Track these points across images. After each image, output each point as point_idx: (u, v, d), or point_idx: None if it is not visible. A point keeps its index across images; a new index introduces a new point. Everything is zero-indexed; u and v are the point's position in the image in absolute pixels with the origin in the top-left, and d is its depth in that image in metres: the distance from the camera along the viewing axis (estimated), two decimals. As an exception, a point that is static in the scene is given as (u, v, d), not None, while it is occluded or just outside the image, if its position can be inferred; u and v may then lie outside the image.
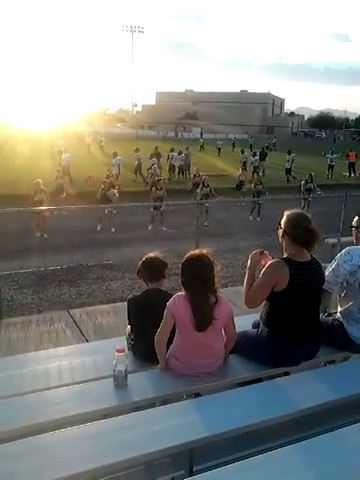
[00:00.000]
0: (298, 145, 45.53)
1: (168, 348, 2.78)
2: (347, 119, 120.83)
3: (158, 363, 2.80)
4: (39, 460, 1.94)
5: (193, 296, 2.64)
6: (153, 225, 12.10)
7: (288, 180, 22.47)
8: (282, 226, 2.87)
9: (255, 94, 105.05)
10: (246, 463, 1.92)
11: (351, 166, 26.16)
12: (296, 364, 2.90)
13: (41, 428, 2.21)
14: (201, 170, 18.83)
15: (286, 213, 2.91)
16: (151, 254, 3.22)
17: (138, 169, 20.17)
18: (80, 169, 18.88)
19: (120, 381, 2.56)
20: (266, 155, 25.34)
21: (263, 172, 24.15)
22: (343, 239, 5.92)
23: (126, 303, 3.20)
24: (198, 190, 13.62)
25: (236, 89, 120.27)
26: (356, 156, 26.50)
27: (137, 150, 20.80)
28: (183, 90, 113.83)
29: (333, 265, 3.02)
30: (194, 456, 2.19)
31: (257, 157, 23.24)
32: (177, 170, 22.47)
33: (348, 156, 26.56)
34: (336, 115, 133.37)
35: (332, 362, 3.30)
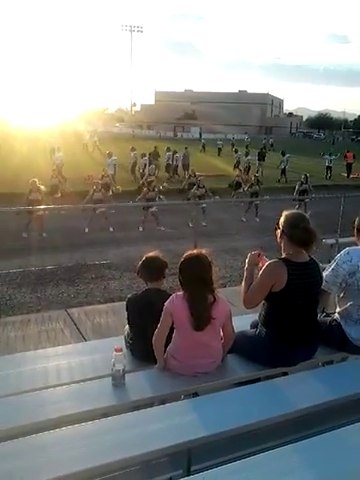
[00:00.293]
0: (297, 146, 45.57)
1: (166, 348, 2.79)
2: (346, 120, 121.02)
3: (156, 363, 2.81)
4: (37, 459, 1.94)
5: (191, 296, 2.64)
6: (144, 226, 12.01)
7: (279, 181, 22.47)
8: (280, 226, 2.88)
9: (254, 94, 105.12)
10: (244, 463, 1.92)
11: (349, 167, 26.22)
12: (294, 364, 2.91)
13: (39, 427, 2.21)
14: (201, 170, 18.84)
15: (284, 213, 2.92)
16: (151, 253, 3.22)
17: (134, 169, 20.15)
18: (76, 168, 18.83)
19: (118, 380, 2.56)
20: (265, 155, 25.36)
21: (262, 172, 24.23)
22: (341, 240, 5.93)
23: (125, 302, 3.20)
24: (192, 190, 13.61)
25: (235, 89, 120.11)
26: (354, 157, 26.55)
27: (133, 149, 20.78)
28: (182, 90, 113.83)
29: (332, 265, 3.02)
30: (192, 456, 2.19)
31: (249, 157, 23.27)
32: (172, 170, 22.43)
33: (346, 157, 26.60)
34: (335, 116, 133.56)
35: (330, 362, 3.30)
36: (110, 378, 2.58)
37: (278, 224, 2.91)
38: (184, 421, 2.23)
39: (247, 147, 33.65)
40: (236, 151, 25.62)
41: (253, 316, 3.15)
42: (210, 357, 2.76)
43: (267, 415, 2.33)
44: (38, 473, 1.86)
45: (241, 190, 16.55)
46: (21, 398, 2.52)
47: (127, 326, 3.25)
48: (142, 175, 18.71)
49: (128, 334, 3.18)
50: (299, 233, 2.76)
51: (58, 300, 6.97)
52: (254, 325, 3.08)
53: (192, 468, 2.18)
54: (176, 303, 2.67)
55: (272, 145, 38.19)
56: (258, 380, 2.86)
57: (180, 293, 2.70)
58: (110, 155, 18.08)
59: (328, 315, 3.33)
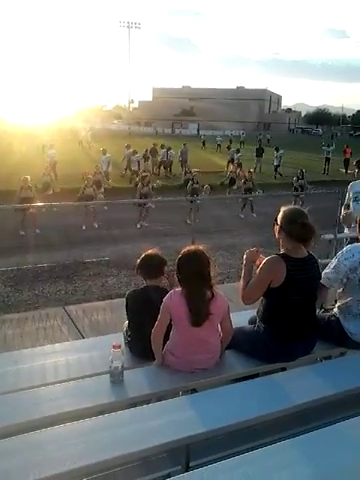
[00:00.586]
0: (295, 141, 45.57)
1: (165, 344, 2.78)
2: (344, 115, 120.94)
3: (154, 359, 2.80)
4: (35, 456, 1.94)
5: (189, 291, 2.64)
6: (141, 223, 12.06)
7: (275, 177, 22.45)
8: (278, 222, 2.87)
9: (252, 90, 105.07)
10: (243, 458, 1.92)
11: (346, 162, 26.28)
12: (292, 360, 2.90)
13: (37, 424, 2.20)
14: (199, 166, 18.84)
15: (282, 209, 2.91)
16: (150, 251, 3.21)
17: (129, 165, 20.09)
18: (72, 166, 18.77)
19: (116, 377, 2.56)
20: (263, 151, 25.37)
21: (260, 168, 24.21)
22: (340, 235, 5.91)
23: (125, 298, 3.20)
24: (188, 186, 13.61)
25: (233, 85, 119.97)
26: (351, 153, 26.58)
27: (128, 147, 20.74)
28: (180, 86, 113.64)
29: (334, 262, 3.01)
30: (190, 452, 2.19)
31: (240, 154, 23.34)
32: (166, 166, 22.38)
33: (345, 152, 26.63)
34: (333, 111, 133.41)
35: (328, 358, 3.30)
36: (108, 375, 2.58)
37: (276, 220, 2.90)
38: (183, 417, 2.23)
39: (242, 143, 33.67)
40: (229, 147, 25.66)
41: (251, 312, 3.15)
42: (208, 353, 2.76)
43: (266, 410, 2.33)
44: (36, 471, 1.85)
45: (235, 186, 16.56)
46: (19, 395, 2.51)
47: (126, 322, 3.24)
48: (134, 173, 18.75)
49: (127, 330, 3.18)
50: (297, 229, 2.75)
51: (56, 297, 6.97)
52: (252, 321, 3.08)
53: (191, 464, 2.18)
54: (174, 299, 2.66)
55: (269, 141, 38.18)
56: (256, 376, 2.86)
57: (178, 289, 2.70)
58: (104, 152, 18.04)
59: (327, 310, 3.34)
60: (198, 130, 62.26)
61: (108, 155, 17.92)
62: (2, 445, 2.01)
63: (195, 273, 2.65)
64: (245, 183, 14.85)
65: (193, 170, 16.08)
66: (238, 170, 19.28)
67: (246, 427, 2.29)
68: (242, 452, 2.01)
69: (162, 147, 22.79)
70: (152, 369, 2.78)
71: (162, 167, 22.44)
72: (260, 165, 24.52)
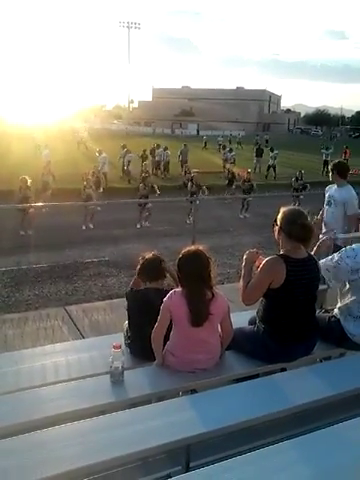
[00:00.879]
0: (294, 142, 45.55)
1: (165, 345, 2.79)
2: (343, 116, 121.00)
3: (155, 359, 2.80)
4: (35, 456, 1.94)
5: (189, 292, 2.64)
6: (141, 223, 12.08)
7: (266, 177, 22.46)
8: (278, 222, 2.88)
9: (251, 91, 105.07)
10: (243, 459, 1.92)
11: None
12: (292, 360, 2.91)
13: (37, 424, 2.20)
14: (200, 167, 18.84)
15: (282, 209, 2.91)
16: (148, 255, 3.20)
17: (122, 166, 20.08)
18: (68, 166, 18.71)
19: (116, 377, 2.56)
20: (263, 151, 25.39)
21: (259, 169, 24.23)
22: (341, 236, 5.92)
23: (125, 296, 3.20)
24: (188, 187, 13.62)
25: (233, 86, 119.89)
26: (350, 154, 26.61)
27: (124, 147, 20.73)
28: (180, 86, 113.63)
29: (336, 257, 3.00)
30: (191, 452, 2.20)
31: (233, 153, 23.41)
32: (163, 166, 22.35)
33: (345, 153, 26.65)
34: (332, 112, 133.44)
35: (328, 358, 3.31)
36: (108, 375, 2.58)
37: (276, 220, 2.90)
38: (183, 418, 2.23)
39: (239, 143, 33.56)
40: (224, 147, 25.73)
41: (251, 312, 3.15)
42: (208, 353, 2.76)
43: (266, 411, 2.33)
44: (35, 471, 1.86)
45: (233, 187, 16.57)
46: (19, 395, 2.51)
47: (126, 323, 3.25)
48: (126, 173, 18.76)
49: (127, 331, 3.18)
50: (297, 229, 2.76)
51: (56, 297, 6.97)
52: (252, 321, 3.08)
53: (191, 464, 2.19)
54: (174, 299, 2.66)
55: (267, 141, 38.20)
56: (256, 376, 2.86)
57: (179, 289, 2.70)
58: (100, 152, 18.01)
59: (327, 311, 3.34)
60: (197, 130, 62.29)
61: (104, 155, 17.90)
62: (2, 445, 2.01)
63: (195, 273, 2.65)
64: (244, 183, 14.87)
65: (193, 171, 16.09)
66: (234, 168, 19.28)
67: (246, 427, 2.30)
68: (242, 453, 2.01)
69: (158, 147, 22.80)
70: (152, 369, 2.78)
71: (158, 167, 22.40)
72: (259, 165, 24.53)
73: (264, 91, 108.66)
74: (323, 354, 3.22)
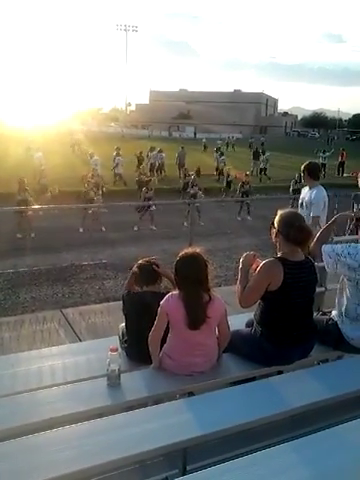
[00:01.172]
0: (291, 145, 45.65)
1: (162, 348, 2.78)
2: (340, 119, 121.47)
3: (151, 363, 2.80)
4: (32, 460, 1.93)
5: (187, 295, 2.64)
6: (139, 225, 12.03)
7: (261, 180, 22.50)
8: (275, 225, 2.88)
9: (249, 94, 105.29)
10: (240, 462, 1.92)
11: (340, 166, 26.43)
12: (289, 363, 2.91)
13: (34, 428, 2.19)
14: (200, 170, 18.90)
15: (279, 212, 2.92)
16: (142, 260, 3.20)
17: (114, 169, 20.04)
18: (65, 169, 18.72)
19: (113, 380, 2.55)
20: (259, 154, 25.45)
21: (257, 171, 24.27)
22: (337, 238, 5.93)
23: (121, 298, 3.19)
24: (188, 189, 13.65)
25: (230, 89, 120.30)
26: (347, 156, 26.75)
27: (118, 149, 20.71)
28: (177, 89, 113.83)
29: (338, 249, 2.97)
30: (187, 455, 2.19)
31: (224, 157, 23.51)
32: (156, 169, 22.31)
33: (342, 156, 26.79)
34: (329, 115, 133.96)
35: (325, 361, 3.31)
36: (105, 378, 2.57)
37: (273, 223, 2.91)
38: (180, 420, 2.23)
39: (232, 146, 33.45)
40: (216, 150, 25.84)
41: (248, 315, 3.15)
42: (205, 356, 2.75)
43: (262, 414, 2.33)
44: (32, 474, 1.85)
45: (231, 189, 16.63)
46: (15, 399, 2.50)
47: (121, 325, 3.24)
48: (115, 175, 18.75)
49: (123, 334, 3.17)
50: (294, 232, 2.76)
51: (53, 300, 6.95)
52: (249, 324, 3.08)
53: (188, 467, 2.18)
54: (171, 302, 2.66)
55: (263, 144, 38.30)
56: (253, 379, 2.86)
57: (176, 292, 2.69)
58: (91, 155, 17.97)
59: (324, 314, 3.34)
60: (195, 133, 62.38)
61: (96, 158, 17.84)
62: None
63: (192, 276, 2.65)
64: (243, 186, 14.92)
65: (190, 173, 16.11)
66: (232, 171, 19.31)
67: (243, 430, 2.29)
68: (239, 456, 2.01)
69: (151, 150, 22.80)
70: (149, 372, 2.77)
71: (152, 170, 22.36)
72: (257, 168, 24.58)
73: (261, 94, 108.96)
74: (320, 357, 3.22)
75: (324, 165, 25.18)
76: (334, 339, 3.10)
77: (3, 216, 9.10)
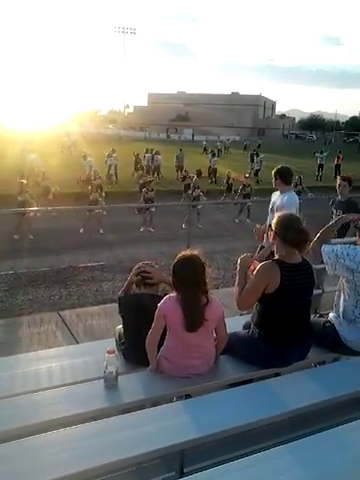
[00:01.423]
0: (289, 147, 45.71)
1: (159, 350, 2.78)
2: (338, 122, 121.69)
3: (149, 365, 2.79)
4: (29, 462, 1.93)
5: (184, 297, 2.64)
6: (144, 226, 12.08)
7: (258, 182, 22.54)
8: (273, 227, 2.89)
9: (246, 96, 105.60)
10: (237, 464, 1.92)
11: (337, 168, 26.52)
12: (287, 365, 2.91)
13: (31, 430, 2.19)
14: (194, 172, 18.87)
15: (277, 214, 2.93)
16: (143, 263, 3.20)
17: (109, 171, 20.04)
18: (63, 171, 18.69)
19: (110, 383, 2.55)
20: (257, 156, 25.52)
21: (253, 174, 24.32)
22: (333, 241, 5.94)
23: (117, 301, 3.19)
24: (190, 192, 13.65)
25: (228, 91, 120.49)
26: (342, 159, 26.82)
27: (113, 151, 20.71)
28: (175, 92, 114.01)
29: (338, 249, 2.99)
30: (185, 457, 2.19)
31: (215, 158, 23.65)
32: (152, 171, 22.29)
33: (338, 158, 26.86)
34: (327, 118, 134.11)
35: (322, 363, 3.31)
36: (102, 380, 2.57)
37: (271, 225, 2.92)
38: (177, 423, 2.23)
39: (227, 149, 33.39)
40: (205, 150, 25.91)
41: (246, 317, 3.16)
42: (203, 358, 2.75)
43: (260, 416, 2.33)
44: (29, 477, 1.85)
45: (232, 192, 16.65)
46: (13, 401, 2.49)
47: (118, 327, 3.23)
48: (109, 176, 18.77)
49: (120, 336, 3.17)
50: (292, 234, 2.77)
51: (50, 302, 6.93)
52: (247, 326, 3.08)
53: (185, 470, 2.18)
54: (169, 305, 2.66)
55: (259, 146, 38.31)
56: (251, 381, 2.86)
57: (173, 295, 2.69)
58: (85, 157, 17.95)
59: (322, 316, 3.34)
60: (193, 135, 62.44)
61: (89, 159, 17.81)
62: (-4, 450, 2.00)
63: (190, 279, 2.65)
64: (244, 189, 14.94)
65: (191, 175, 16.14)
66: (232, 174, 19.34)
67: (241, 432, 2.29)
68: (237, 458, 2.01)
69: (147, 151, 22.78)
70: (146, 374, 2.77)
71: (148, 172, 22.34)
72: (256, 170, 24.60)
73: (259, 96, 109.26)
74: (317, 359, 3.22)
75: (322, 165, 25.28)
76: (331, 341, 3.11)
77: (1, 217, 9.09)
